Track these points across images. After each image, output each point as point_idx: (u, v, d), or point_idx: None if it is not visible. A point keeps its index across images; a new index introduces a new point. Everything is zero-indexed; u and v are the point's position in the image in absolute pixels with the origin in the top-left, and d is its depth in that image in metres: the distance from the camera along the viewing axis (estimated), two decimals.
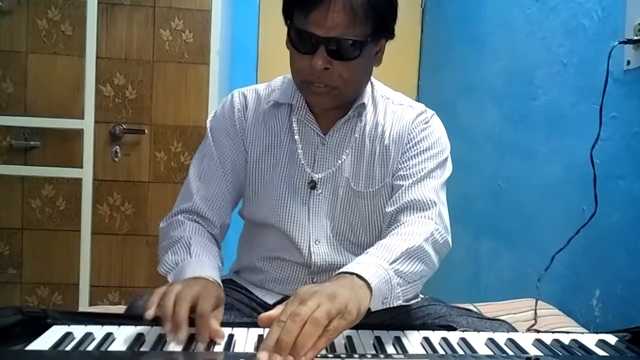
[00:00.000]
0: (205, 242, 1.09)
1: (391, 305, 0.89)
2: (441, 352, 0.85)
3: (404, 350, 0.84)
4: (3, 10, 2.17)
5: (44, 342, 0.82)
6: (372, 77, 1.17)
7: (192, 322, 0.83)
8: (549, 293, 1.60)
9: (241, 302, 1.17)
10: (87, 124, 2.23)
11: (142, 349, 0.82)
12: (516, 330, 1.03)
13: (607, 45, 1.41)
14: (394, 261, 0.90)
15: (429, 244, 0.98)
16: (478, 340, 0.89)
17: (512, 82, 2.03)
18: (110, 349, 0.81)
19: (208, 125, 1.21)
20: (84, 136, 2.23)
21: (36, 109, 2.21)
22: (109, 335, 0.84)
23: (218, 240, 1.16)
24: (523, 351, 0.85)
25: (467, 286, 2.31)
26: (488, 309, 1.52)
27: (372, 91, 1.18)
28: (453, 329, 0.96)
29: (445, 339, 0.89)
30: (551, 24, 1.78)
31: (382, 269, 0.87)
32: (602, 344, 0.90)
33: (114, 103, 2.25)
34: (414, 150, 1.13)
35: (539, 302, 1.55)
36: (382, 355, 0.81)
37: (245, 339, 0.86)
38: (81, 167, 2.24)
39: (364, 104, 1.14)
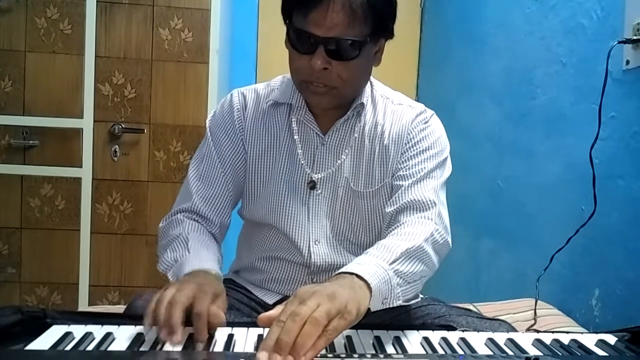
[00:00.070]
0: (204, 238, 1.09)
1: (391, 306, 0.89)
2: (441, 352, 0.85)
3: (403, 350, 0.84)
4: (2, 9, 2.17)
5: (43, 341, 0.82)
6: (371, 77, 1.17)
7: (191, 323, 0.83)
8: (549, 293, 1.60)
9: (241, 302, 1.17)
10: (86, 123, 2.22)
11: (141, 349, 0.81)
12: (516, 330, 1.03)
13: (606, 45, 1.41)
14: (394, 261, 0.90)
15: (429, 244, 0.98)
16: (478, 340, 0.89)
17: (512, 82, 2.03)
18: (110, 348, 0.81)
19: (207, 124, 1.21)
20: (83, 135, 2.22)
21: (35, 108, 2.21)
22: (108, 335, 0.84)
23: (217, 239, 1.16)
24: (523, 351, 0.85)
25: (467, 286, 2.31)
26: (488, 308, 1.52)
27: (372, 91, 1.18)
28: (453, 328, 0.96)
29: (445, 339, 0.89)
30: (550, 24, 1.78)
31: (382, 269, 0.87)
32: (601, 343, 0.90)
33: (113, 102, 2.25)
34: (414, 150, 1.13)
35: (539, 302, 1.55)
36: (381, 355, 0.80)
37: (245, 338, 0.86)
38: (80, 167, 2.24)
39: (363, 103, 1.14)
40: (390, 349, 0.84)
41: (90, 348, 0.81)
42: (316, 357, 0.73)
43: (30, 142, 2.21)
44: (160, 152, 2.29)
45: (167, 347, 0.81)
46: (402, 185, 1.09)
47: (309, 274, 1.16)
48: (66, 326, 0.87)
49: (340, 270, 0.86)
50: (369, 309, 0.83)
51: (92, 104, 2.22)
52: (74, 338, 0.83)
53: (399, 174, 1.12)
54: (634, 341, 0.92)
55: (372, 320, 0.88)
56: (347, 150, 1.14)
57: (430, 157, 1.12)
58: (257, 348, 0.80)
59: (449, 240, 1.06)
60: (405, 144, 1.14)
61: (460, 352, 0.85)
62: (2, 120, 2.19)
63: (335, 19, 0.98)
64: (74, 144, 2.23)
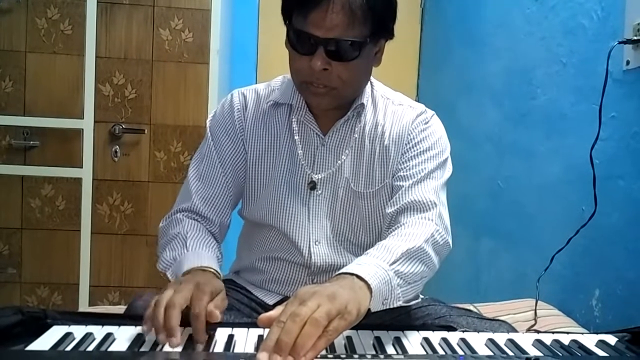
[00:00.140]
0: (203, 236, 1.09)
1: (391, 306, 0.89)
2: (441, 352, 0.85)
3: (403, 350, 0.84)
4: (2, 10, 2.17)
5: (43, 342, 0.82)
6: (371, 77, 1.17)
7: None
8: (549, 293, 1.60)
9: (241, 303, 1.17)
10: (86, 124, 2.23)
11: (142, 349, 0.81)
12: (516, 331, 1.03)
13: (607, 45, 1.41)
14: (394, 262, 0.90)
15: (429, 245, 0.98)
16: (478, 341, 0.89)
17: (512, 82, 2.03)
18: (110, 349, 0.81)
19: (208, 125, 1.21)
20: (84, 136, 2.23)
21: (35, 109, 2.21)
22: (109, 335, 0.84)
23: (217, 238, 1.15)
24: (523, 351, 0.85)
25: (467, 286, 2.31)
26: (488, 309, 1.52)
27: (372, 91, 1.18)
28: (453, 329, 0.96)
29: (445, 340, 0.89)
30: (550, 24, 1.78)
31: (382, 269, 0.87)
32: (601, 344, 0.90)
33: (114, 102, 2.25)
34: (414, 151, 1.13)
35: (539, 302, 1.55)
36: (382, 356, 0.80)
37: (245, 339, 0.86)
38: (81, 167, 2.24)
39: (363, 104, 1.14)
40: (390, 350, 0.84)
41: (90, 348, 0.81)
42: (316, 357, 0.73)
43: (31, 142, 2.22)
44: (161, 153, 2.29)
45: (167, 347, 0.80)
46: (403, 186, 1.09)
47: (309, 275, 1.16)
48: (66, 327, 0.87)
49: (341, 271, 0.86)
50: (369, 309, 0.83)
51: (93, 105, 2.22)
52: (74, 338, 0.83)
53: (399, 174, 1.12)
54: (635, 342, 0.92)
55: (373, 321, 0.88)
56: (347, 151, 1.14)
57: (431, 158, 1.12)
58: (257, 349, 0.80)
59: (450, 240, 1.06)
60: (406, 144, 1.13)
61: (461, 352, 0.85)
62: (3, 121, 2.19)
63: (335, 20, 0.98)
64: (74, 145, 2.24)
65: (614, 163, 1.43)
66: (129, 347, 0.81)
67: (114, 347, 0.82)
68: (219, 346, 0.84)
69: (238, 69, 2.88)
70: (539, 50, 1.83)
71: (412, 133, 1.14)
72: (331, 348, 0.82)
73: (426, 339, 0.89)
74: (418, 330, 0.93)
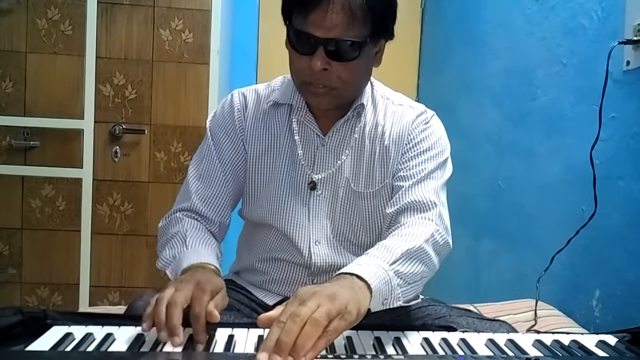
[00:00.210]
0: (202, 234, 1.09)
1: (391, 306, 0.89)
2: (441, 352, 0.85)
3: (403, 350, 0.84)
4: (2, 10, 2.17)
5: (44, 342, 0.82)
6: (372, 78, 1.17)
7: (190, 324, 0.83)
8: (549, 294, 1.60)
9: (241, 303, 1.17)
10: (86, 124, 2.23)
11: (142, 350, 0.81)
12: (516, 331, 1.03)
13: (607, 46, 1.41)
14: (394, 262, 0.90)
15: (429, 245, 0.98)
16: (478, 341, 0.89)
17: (512, 82, 2.03)
18: (110, 349, 0.81)
19: (208, 125, 1.21)
20: (84, 136, 2.23)
21: (36, 109, 2.21)
22: (109, 335, 0.84)
23: (217, 238, 1.15)
24: (523, 352, 0.85)
25: (467, 287, 2.31)
26: (488, 309, 1.52)
27: (372, 91, 1.18)
28: (453, 329, 0.96)
29: (445, 340, 0.89)
30: (551, 24, 1.78)
31: (382, 269, 0.87)
32: (602, 344, 0.90)
33: (114, 103, 2.25)
34: (414, 151, 1.13)
35: (539, 302, 1.55)
36: (381, 356, 0.80)
37: (245, 339, 0.86)
38: (81, 167, 2.24)
39: (363, 104, 1.14)
40: (390, 350, 0.84)
41: (90, 349, 0.81)
42: (316, 357, 0.73)
43: (31, 142, 2.22)
44: (161, 153, 2.29)
45: (168, 347, 0.81)
46: (403, 186, 1.09)
47: (309, 275, 1.16)
48: (67, 327, 0.87)
49: (341, 271, 0.86)
50: (369, 309, 0.83)
51: (93, 105, 2.22)
52: (74, 339, 0.83)
53: (399, 174, 1.12)
54: (635, 342, 0.92)
55: (373, 321, 0.88)
56: (347, 151, 1.14)
57: (431, 158, 1.12)
58: (257, 349, 0.80)
59: (450, 241, 1.06)
60: (406, 144, 1.14)
61: (461, 352, 0.85)
62: (3, 121, 2.19)
63: (335, 20, 0.98)
64: (74, 145, 2.24)
65: (614, 163, 1.43)
66: (129, 348, 0.81)
67: (114, 348, 0.82)
68: (219, 346, 0.84)
69: (238, 69, 2.88)
70: (539, 50, 1.83)
71: (412, 133, 1.14)
72: (331, 348, 0.82)
73: (426, 339, 0.89)
74: (418, 330, 0.93)
